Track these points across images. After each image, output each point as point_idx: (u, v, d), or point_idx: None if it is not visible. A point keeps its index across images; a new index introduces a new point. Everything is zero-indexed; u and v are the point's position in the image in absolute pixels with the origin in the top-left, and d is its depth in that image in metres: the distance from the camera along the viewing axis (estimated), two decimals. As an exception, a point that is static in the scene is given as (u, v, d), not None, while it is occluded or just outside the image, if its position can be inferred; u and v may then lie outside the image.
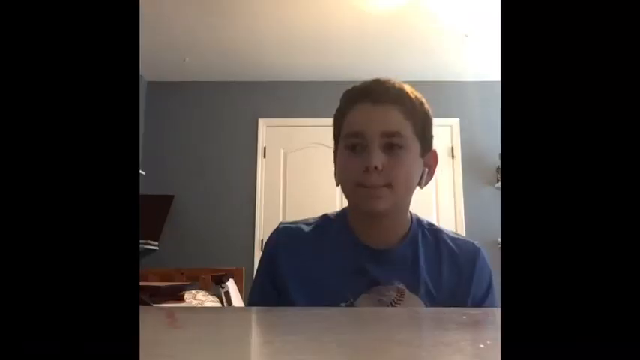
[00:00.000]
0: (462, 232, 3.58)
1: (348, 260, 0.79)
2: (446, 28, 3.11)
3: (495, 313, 0.48)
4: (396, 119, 0.76)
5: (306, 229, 0.84)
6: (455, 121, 3.76)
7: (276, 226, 0.86)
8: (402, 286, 0.77)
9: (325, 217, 0.87)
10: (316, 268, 0.79)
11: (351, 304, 0.74)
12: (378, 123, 0.76)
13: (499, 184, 3.66)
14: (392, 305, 0.75)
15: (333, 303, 0.74)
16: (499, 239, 3.11)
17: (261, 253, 0.88)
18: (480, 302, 0.80)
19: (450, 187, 3.71)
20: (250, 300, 0.84)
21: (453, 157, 3.74)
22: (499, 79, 0.30)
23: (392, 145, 0.75)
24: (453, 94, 3.69)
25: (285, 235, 0.83)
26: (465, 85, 3.74)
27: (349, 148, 0.77)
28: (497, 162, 3.66)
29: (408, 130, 0.77)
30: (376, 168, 0.73)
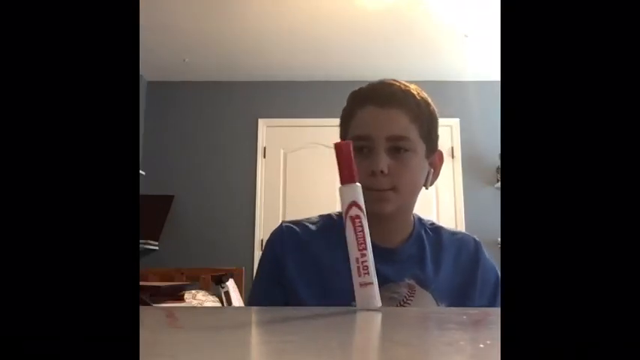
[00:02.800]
0: (462, 232, 3.58)
1: None
2: (446, 28, 3.11)
3: (495, 313, 0.48)
4: (402, 123, 0.77)
5: (312, 227, 0.83)
6: (455, 121, 3.76)
7: (278, 224, 0.84)
8: (412, 282, 0.77)
9: (328, 216, 0.86)
10: (324, 267, 0.78)
11: None
12: (384, 127, 0.76)
13: (499, 184, 3.66)
14: (404, 302, 0.75)
15: (344, 302, 0.74)
16: (499, 239, 3.10)
17: (261, 253, 0.86)
18: (491, 298, 0.80)
19: (450, 187, 3.71)
20: (251, 303, 0.82)
21: (453, 157, 3.74)
22: (499, 79, 0.30)
23: (398, 149, 0.76)
24: (453, 94, 3.69)
25: (291, 235, 0.81)
26: (465, 85, 3.74)
27: (355, 150, 0.77)
28: (497, 162, 3.66)
29: (413, 134, 0.77)
30: (382, 172, 0.74)
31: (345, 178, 0.49)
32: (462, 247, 0.84)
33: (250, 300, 0.83)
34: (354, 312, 0.45)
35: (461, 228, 3.60)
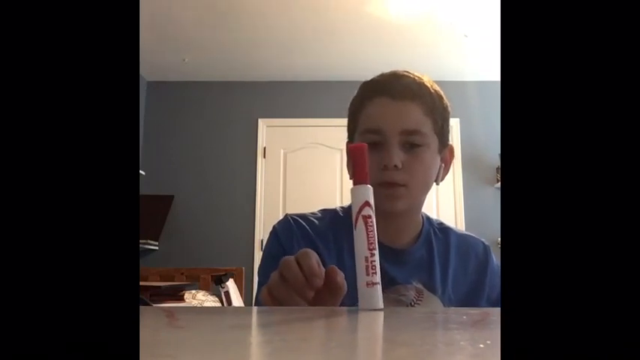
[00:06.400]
0: (462, 232, 3.59)
1: None
2: (446, 28, 3.11)
3: (495, 313, 0.48)
4: (415, 117, 0.74)
5: (317, 222, 0.79)
6: (455, 121, 3.76)
7: (282, 217, 0.80)
8: (420, 286, 0.75)
9: (334, 211, 0.82)
10: (331, 265, 0.75)
11: None
12: (397, 120, 0.73)
13: (499, 184, 3.66)
14: (412, 305, 0.73)
15: (351, 302, 0.72)
16: (499, 239, 3.11)
17: (261, 253, 0.83)
18: (495, 304, 0.79)
19: (450, 187, 3.71)
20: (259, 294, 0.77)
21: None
22: (499, 79, 0.30)
23: (411, 144, 0.73)
24: (453, 94, 3.67)
25: (299, 227, 0.77)
26: (465, 85, 3.74)
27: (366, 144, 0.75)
28: (497, 162, 3.66)
29: (427, 128, 0.74)
30: (396, 167, 0.71)
31: (359, 179, 0.49)
32: (471, 250, 0.82)
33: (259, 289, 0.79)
34: (355, 312, 0.45)
35: (461, 228, 3.60)
